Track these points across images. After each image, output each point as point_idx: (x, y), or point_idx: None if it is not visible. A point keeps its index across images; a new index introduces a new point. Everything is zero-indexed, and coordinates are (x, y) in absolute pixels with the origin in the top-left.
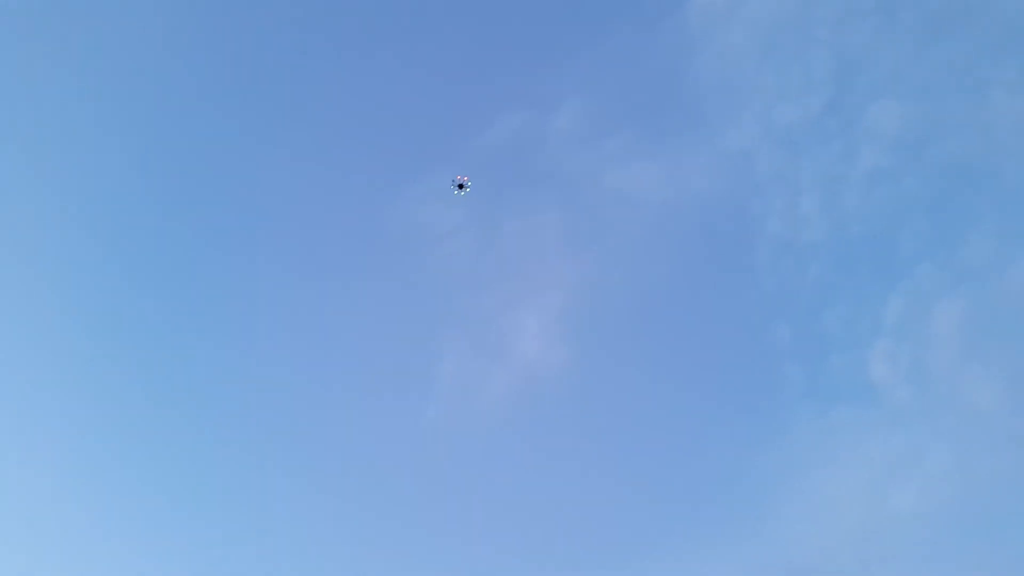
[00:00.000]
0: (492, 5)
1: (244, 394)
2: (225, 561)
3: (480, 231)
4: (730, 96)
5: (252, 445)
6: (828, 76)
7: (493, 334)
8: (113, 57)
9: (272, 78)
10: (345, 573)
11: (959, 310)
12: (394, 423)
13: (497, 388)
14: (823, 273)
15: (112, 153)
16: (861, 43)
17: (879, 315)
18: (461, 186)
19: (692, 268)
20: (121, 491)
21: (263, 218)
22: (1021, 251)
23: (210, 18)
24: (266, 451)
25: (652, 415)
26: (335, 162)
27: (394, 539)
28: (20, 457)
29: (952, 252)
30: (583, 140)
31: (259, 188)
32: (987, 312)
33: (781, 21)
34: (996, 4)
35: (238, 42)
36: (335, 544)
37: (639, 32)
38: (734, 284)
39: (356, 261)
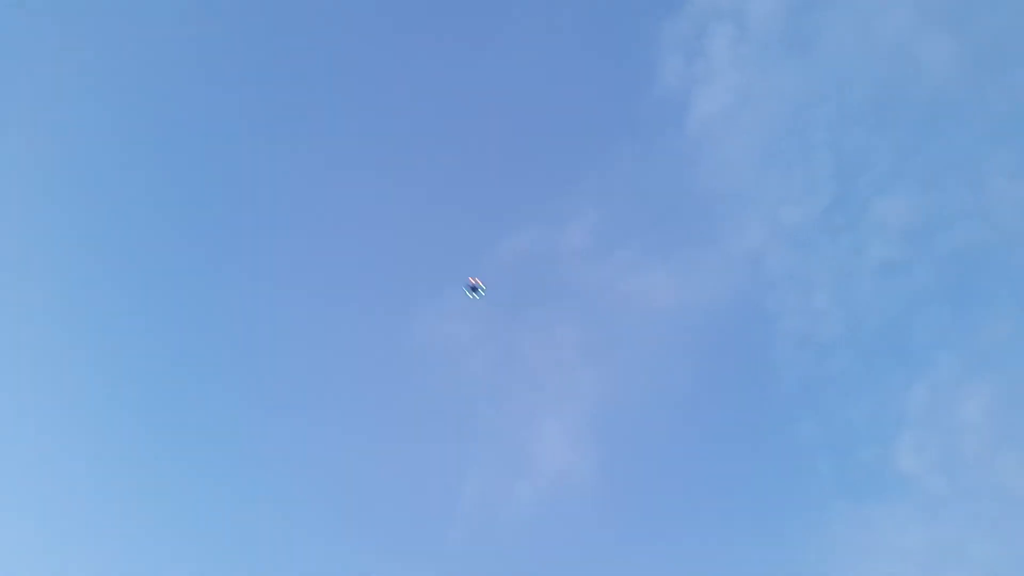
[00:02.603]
0: (498, 130)
1: (261, 522)
2: None
3: (498, 345)
4: (735, 202)
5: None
6: (830, 175)
7: (517, 449)
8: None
9: (291, 202)
10: None
11: (984, 395)
12: (418, 547)
13: (524, 503)
14: (843, 367)
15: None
16: (859, 141)
17: (903, 406)
18: (475, 288)
19: (712, 371)
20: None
21: (275, 342)
22: None
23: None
24: None
25: (682, 523)
26: (349, 282)
27: None
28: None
29: (970, 338)
30: (595, 253)
31: (274, 314)
32: (1013, 395)
33: (778, 126)
34: (987, 94)
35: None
36: None
37: (641, 146)
38: (755, 384)
39: (373, 382)
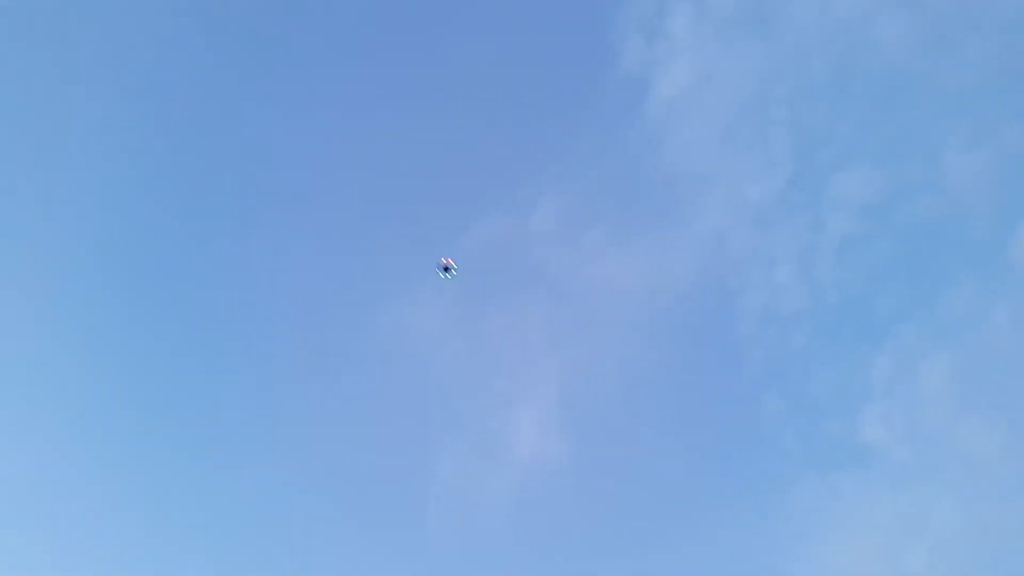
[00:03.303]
0: (460, 117)
1: (236, 511)
2: None
3: (469, 332)
4: (698, 181)
5: (248, 564)
6: (789, 152)
7: (490, 435)
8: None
9: (259, 193)
10: None
11: (946, 365)
12: (394, 535)
13: (498, 489)
14: (807, 342)
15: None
16: (818, 118)
17: (867, 378)
18: (447, 268)
19: (679, 349)
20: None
21: (248, 336)
22: (996, 301)
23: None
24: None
25: (654, 499)
26: (318, 273)
27: None
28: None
29: (930, 309)
30: (561, 237)
31: (243, 304)
32: (973, 364)
33: (739, 105)
34: (943, 70)
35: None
36: None
37: (604, 128)
38: (721, 360)
39: (344, 372)
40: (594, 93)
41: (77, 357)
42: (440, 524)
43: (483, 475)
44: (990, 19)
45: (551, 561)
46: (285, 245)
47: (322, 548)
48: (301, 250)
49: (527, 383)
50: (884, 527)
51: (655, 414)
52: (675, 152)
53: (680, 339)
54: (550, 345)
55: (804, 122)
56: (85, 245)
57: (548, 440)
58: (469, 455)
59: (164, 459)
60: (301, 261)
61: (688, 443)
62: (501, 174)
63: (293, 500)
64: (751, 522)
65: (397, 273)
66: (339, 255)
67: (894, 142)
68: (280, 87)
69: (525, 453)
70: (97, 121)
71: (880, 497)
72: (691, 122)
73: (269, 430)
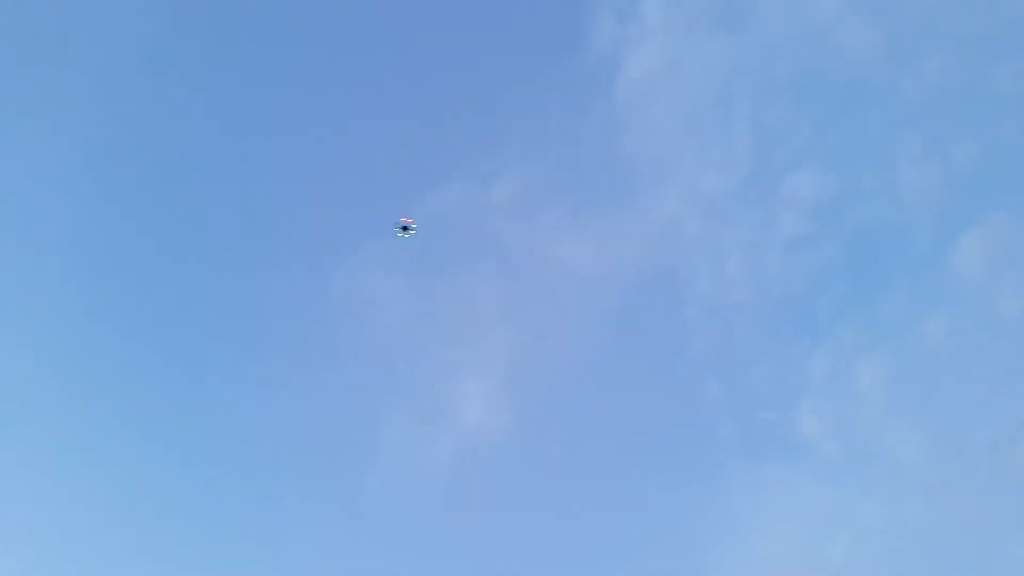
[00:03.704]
0: (428, 86)
1: (175, 472)
2: None
3: (419, 299)
4: (657, 168)
5: (186, 525)
6: (748, 148)
7: (434, 402)
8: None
9: (223, 147)
10: None
11: (880, 366)
12: (334, 494)
13: (439, 455)
14: (749, 333)
15: None
16: (779, 116)
17: (804, 373)
18: (406, 227)
19: (625, 331)
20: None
21: (204, 283)
22: (933, 309)
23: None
24: (203, 530)
25: (591, 475)
26: (273, 231)
27: None
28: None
29: (870, 311)
30: (519, 212)
31: (199, 255)
32: (906, 367)
33: (703, 97)
34: (901, 82)
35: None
36: None
37: (571, 108)
38: (665, 344)
39: (293, 328)
40: (564, 70)
41: None
42: (379, 488)
43: (425, 440)
44: (951, 36)
45: (486, 528)
46: (247, 198)
47: (262, 510)
48: (259, 204)
49: (474, 353)
50: (809, 518)
51: (598, 392)
52: (638, 136)
53: (627, 321)
54: (500, 317)
55: (765, 119)
56: None
57: (492, 410)
58: (413, 420)
59: (114, 416)
60: (258, 215)
61: (627, 422)
62: (464, 145)
63: (234, 460)
64: (682, 501)
65: (352, 234)
66: (296, 211)
67: (850, 146)
68: (260, 47)
69: (468, 421)
70: None
71: (807, 488)
72: (656, 107)
73: (216, 386)
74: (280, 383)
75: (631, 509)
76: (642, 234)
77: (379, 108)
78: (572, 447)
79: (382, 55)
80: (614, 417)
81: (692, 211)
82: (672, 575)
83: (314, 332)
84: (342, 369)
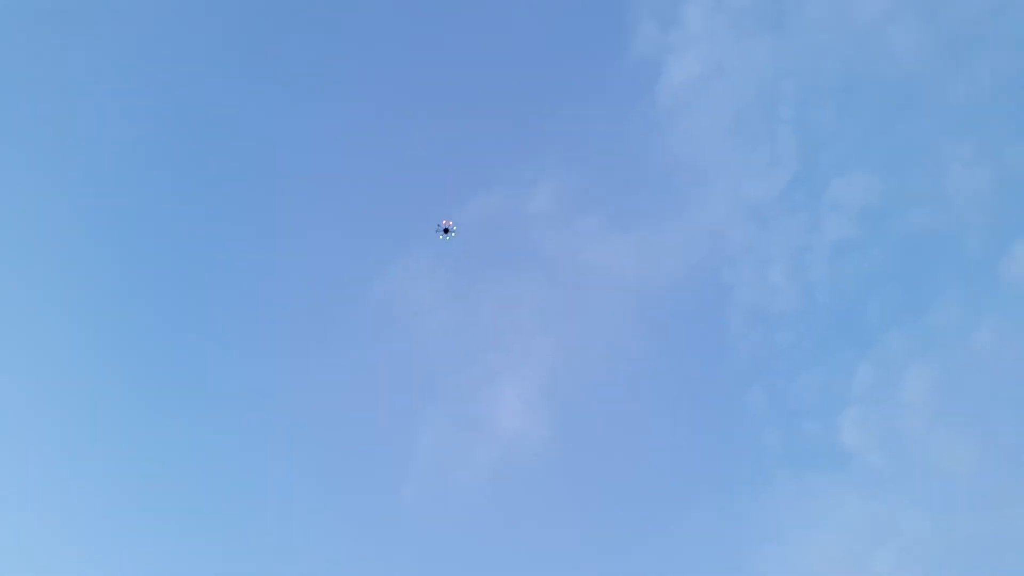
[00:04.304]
0: (467, 91)
1: (217, 474)
2: None
3: (458, 306)
4: (700, 175)
5: (224, 528)
6: (793, 152)
7: (473, 409)
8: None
9: (258, 153)
10: None
11: (927, 376)
12: (370, 501)
13: (477, 464)
14: (794, 342)
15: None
16: (825, 120)
17: (849, 383)
18: (447, 230)
19: (667, 340)
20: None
21: (240, 293)
22: (983, 317)
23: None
24: (239, 535)
25: (631, 485)
26: (313, 239)
27: None
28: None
29: (918, 320)
30: (560, 219)
31: (236, 262)
32: (955, 377)
33: (747, 101)
34: (952, 84)
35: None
36: None
37: (612, 114)
38: (708, 354)
39: (334, 336)
40: (605, 76)
41: None
42: (417, 495)
43: (464, 448)
44: (1003, 38)
45: (524, 537)
46: (290, 207)
47: (297, 515)
48: (304, 213)
49: (514, 360)
50: (854, 529)
51: (639, 402)
52: (680, 142)
53: (669, 329)
54: (540, 325)
55: (811, 122)
56: None
57: (531, 419)
58: (451, 428)
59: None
60: (302, 224)
61: (670, 432)
62: (505, 152)
63: (272, 464)
64: (726, 514)
65: (394, 242)
66: (339, 219)
67: (898, 150)
68: (286, 57)
69: (507, 429)
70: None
71: (853, 500)
72: (699, 112)
73: (253, 393)
74: (320, 388)
75: (672, 519)
76: (684, 241)
77: (420, 114)
78: (612, 456)
79: (423, 61)
80: (655, 427)
81: (735, 217)
82: None
83: (355, 338)
84: (382, 375)
